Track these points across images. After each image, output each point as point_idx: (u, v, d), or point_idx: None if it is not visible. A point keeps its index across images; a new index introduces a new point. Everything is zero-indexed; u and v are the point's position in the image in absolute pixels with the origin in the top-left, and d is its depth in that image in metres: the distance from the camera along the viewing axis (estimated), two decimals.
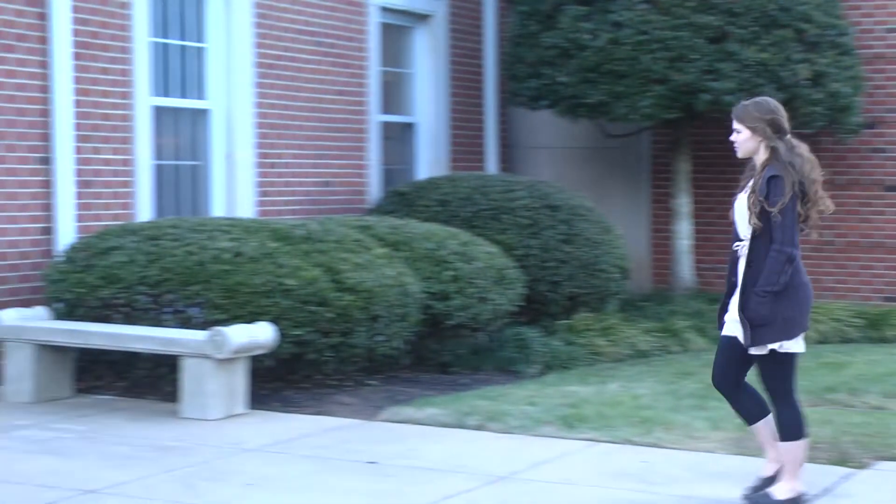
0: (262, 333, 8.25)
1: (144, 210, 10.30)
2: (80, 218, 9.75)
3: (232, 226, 9.22)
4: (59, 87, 9.57)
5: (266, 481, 6.58)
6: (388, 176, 13.10)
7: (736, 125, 6.18)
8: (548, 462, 7.03)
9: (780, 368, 6.09)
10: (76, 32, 9.73)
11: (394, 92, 13.42)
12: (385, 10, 12.96)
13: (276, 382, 8.92)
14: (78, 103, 9.73)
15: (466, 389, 9.17)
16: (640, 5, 12.22)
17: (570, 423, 7.82)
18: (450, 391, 9.09)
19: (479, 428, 7.83)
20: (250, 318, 8.37)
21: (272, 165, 11.61)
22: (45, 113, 9.54)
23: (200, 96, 11.12)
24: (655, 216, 14.34)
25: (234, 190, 11.23)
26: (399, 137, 13.51)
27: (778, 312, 6.00)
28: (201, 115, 11.13)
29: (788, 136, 6.15)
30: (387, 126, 13.13)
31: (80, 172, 9.77)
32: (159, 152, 10.67)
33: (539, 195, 11.60)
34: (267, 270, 8.63)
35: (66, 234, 9.59)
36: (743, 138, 6.16)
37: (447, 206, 11.47)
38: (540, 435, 7.66)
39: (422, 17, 13.59)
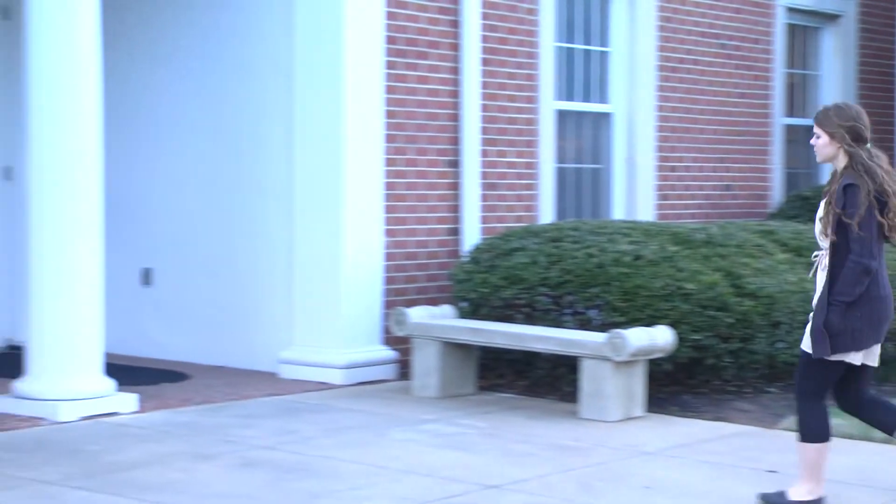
0: (660, 337, 8.23)
1: (546, 212, 10.47)
2: (484, 220, 10.02)
3: (632, 229, 9.25)
4: (467, 92, 9.86)
5: (664, 485, 6.56)
6: (791, 180, 12.82)
7: (815, 129, 6.06)
8: None
9: (819, 372, 6.02)
10: (485, 38, 10.00)
11: (798, 94, 13.11)
12: (792, 10, 12.70)
13: (674, 386, 8.88)
14: (485, 108, 10.01)
15: None
16: None
17: None
18: None
19: (886, 441, 7.53)
20: (649, 322, 8.36)
21: (672, 169, 11.57)
22: (454, 117, 9.85)
23: (602, 100, 11.22)
24: None
25: (634, 193, 11.26)
26: (803, 141, 13.17)
27: (849, 324, 5.91)
28: (603, 118, 11.23)
29: (868, 145, 6.00)
30: (790, 129, 12.85)
31: (485, 175, 10.04)
32: (561, 155, 10.83)
33: None
34: (666, 274, 8.60)
35: (472, 235, 9.88)
36: (821, 144, 6.05)
37: None
38: None
39: (830, 18, 13.22)
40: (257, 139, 9.56)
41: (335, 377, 9.11)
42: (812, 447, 6.12)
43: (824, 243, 6.01)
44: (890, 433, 6.24)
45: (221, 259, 9.75)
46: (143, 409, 8.04)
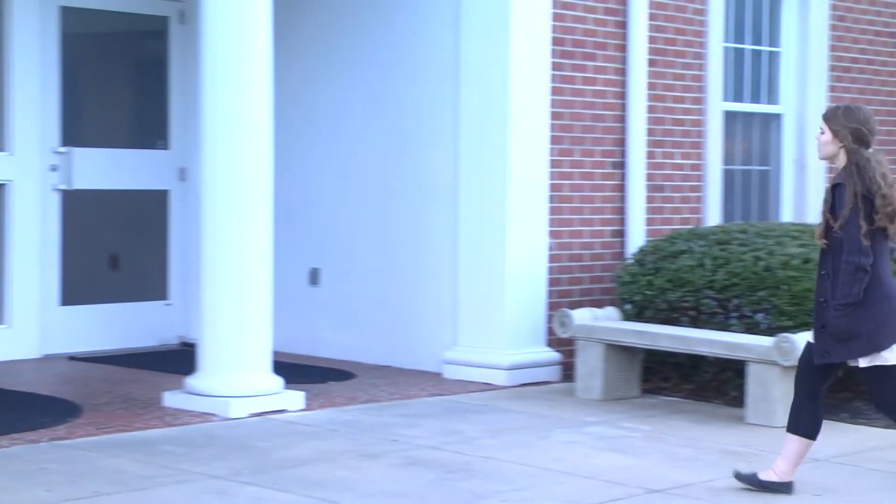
0: None
1: (713, 215, 10.36)
2: (649, 221, 9.95)
3: (801, 231, 9.09)
4: (634, 94, 9.81)
5: (832, 493, 6.45)
6: None
7: (822, 125, 6.22)
8: None
9: (886, 383, 6.07)
10: (652, 39, 9.93)
11: None
12: None
13: (845, 393, 8.71)
14: (651, 109, 9.94)
15: None
16: None
17: None
18: None
19: None
20: None
21: None
22: (621, 119, 9.80)
23: (772, 101, 11.05)
24: None
25: (804, 195, 11.08)
26: None
27: (861, 326, 5.98)
28: (772, 119, 11.07)
29: (871, 149, 6.08)
30: None
31: (651, 177, 9.98)
32: (728, 157, 10.70)
33: None
34: None
35: (636, 237, 9.82)
36: (824, 140, 6.19)
37: None
38: None
39: None
40: (423, 140, 9.63)
41: (499, 378, 9.14)
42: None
43: (819, 243, 6.17)
44: (788, 430, 6.36)
45: (387, 259, 9.85)
46: (309, 407, 8.16)
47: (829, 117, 6.20)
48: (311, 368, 9.57)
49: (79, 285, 10.13)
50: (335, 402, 8.44)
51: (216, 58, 7.90)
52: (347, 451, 7.10)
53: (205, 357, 8.00)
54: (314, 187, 10.24)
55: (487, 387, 9.07)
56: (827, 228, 6.07)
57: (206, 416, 7.80)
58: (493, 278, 9.20)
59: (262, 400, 7.97)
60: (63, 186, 9.91)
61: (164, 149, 10.55)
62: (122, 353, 10.01)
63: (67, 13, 9.93)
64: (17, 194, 9.67)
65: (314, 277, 10.28)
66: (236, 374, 7.93)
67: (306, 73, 10.21)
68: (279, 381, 8.11)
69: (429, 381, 9.23)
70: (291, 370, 8.73)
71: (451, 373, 9.36)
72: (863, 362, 6.08)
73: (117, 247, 10.50)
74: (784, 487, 6.34)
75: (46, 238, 9.84)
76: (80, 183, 9.98)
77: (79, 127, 10.11)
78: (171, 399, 8.09)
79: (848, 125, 6.09)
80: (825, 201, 6.14)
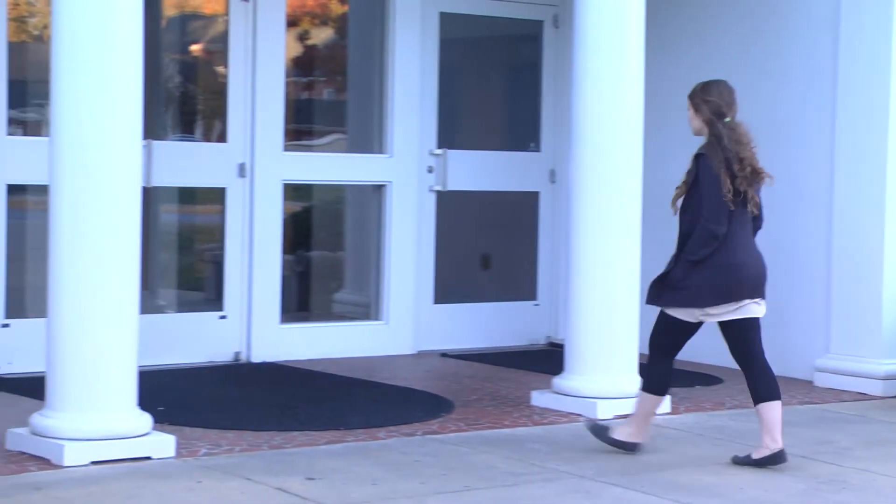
0: None
1: None
2: None
3: None
4: None
5: None
6: None
7: (687, 102, 6.58)
8: None
9: (663, 326, 6.72)
10: None
11: None
12: None
13: None
14: None
15: None
16: None
17: None
18: None
19: None
20: None
21: None
22: None
23: None
24: None
25: None
26: None
27: (692, 279, 6.45)
28: None
29: (729, 119, 6.46)
30: None
31: None
32: None
33: None
34: None
35: None
36: (690, 116, 6.60)
37: None
38: None
39: None
40: (795, 144, 9.40)
41: (874, 388, 8.84)
42: (649, 398, 6.78)
43: (673, 209, 6.60)
44: (758, 402, 6.70)
45: None
46: (675, 411, 8.13)
47: (690, 94, 6.58)
48: (677, 372, 9.35)
49: (451, 284, 10.41)
50: (702, 406, 8.37)
51: (589, 61, 7.95)
52: (714, 456, 7.03)
53: (572, 358, 8.08)
54: None
55: (861, 396, 8.79)
56: (687, 194, 6.45)
57: (572, 417, 7.88)
58: (869, 286, 8.91)
59: (629, 402, 7.97)
60: (438, 188, 10.21)
61: (536, 151, 10.71)
62: (491, 352, 10.23)
63: (446, 19, 10.22)
64: (395, 195, 10.02)
65: None
66: (603, 375, 7.97)
67: (675, 72, 10.14)
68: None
69: (799, 389, 9.02)
70: None
71: (822, 381, 9.13)
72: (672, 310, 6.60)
73: (488, 247, 10.74)
74: (631, 447, 6.80)
75: (422, 238, 10.17)
76: (454, 184, 10.26)
77: (453, 129, 10.40)
78: (538, 398, 8.21)
79: (705, 99, 6.49)
80: (689, 171, 6.47)
